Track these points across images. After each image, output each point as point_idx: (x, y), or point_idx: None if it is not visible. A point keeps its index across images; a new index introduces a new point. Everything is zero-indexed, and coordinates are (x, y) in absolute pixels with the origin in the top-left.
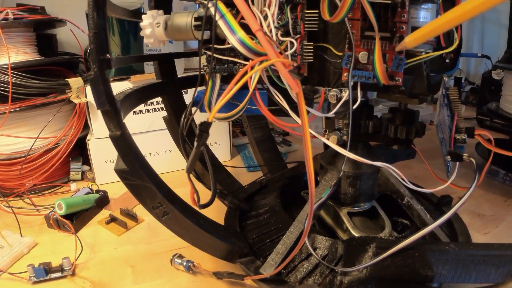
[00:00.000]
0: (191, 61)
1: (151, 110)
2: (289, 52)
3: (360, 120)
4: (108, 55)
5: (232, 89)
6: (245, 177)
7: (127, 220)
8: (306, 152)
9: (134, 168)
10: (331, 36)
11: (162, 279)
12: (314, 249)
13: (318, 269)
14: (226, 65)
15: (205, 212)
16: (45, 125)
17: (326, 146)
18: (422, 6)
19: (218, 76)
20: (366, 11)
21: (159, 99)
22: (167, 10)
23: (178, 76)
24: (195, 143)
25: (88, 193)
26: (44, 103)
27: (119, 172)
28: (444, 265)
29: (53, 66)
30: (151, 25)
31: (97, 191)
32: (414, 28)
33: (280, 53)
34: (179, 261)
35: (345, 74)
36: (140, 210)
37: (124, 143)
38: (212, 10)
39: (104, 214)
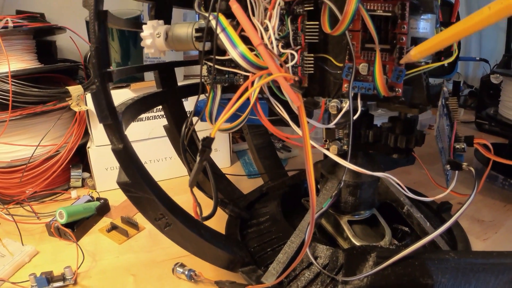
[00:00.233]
0: (191, 68)
1: (151, 118)
2: (290, 64)
3: (360, 130)
4: (110, 67)
5: (234, 104)
6: (245, 184)
7: (128, 228)
8: (307, 164)
9: (136, 181)
10: (331, 47)
11: None
12: (315, 258)
13: (319, 278)
14: (226, 76)
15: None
16: (45, 133)
17: (326, 155)
18: (422, 17)
19: (219, 87)
20: (367, 23)
21: (159, 106)
22: (167, 20)
23: (179, 84)
24: (198, 158)
25: (89, 200)
26: (44, 111)
27: (121, 184)
28: (444, 274)
29: (53, 73)
30: (152, 35)
31: (98, 199)
32: (413, 39)
33: (281, 65)
34: (181, 270)
35: (346, 85)
36: (140, 218)
37: (126, 156)
38: (213, 22)
39: (105, 222)
